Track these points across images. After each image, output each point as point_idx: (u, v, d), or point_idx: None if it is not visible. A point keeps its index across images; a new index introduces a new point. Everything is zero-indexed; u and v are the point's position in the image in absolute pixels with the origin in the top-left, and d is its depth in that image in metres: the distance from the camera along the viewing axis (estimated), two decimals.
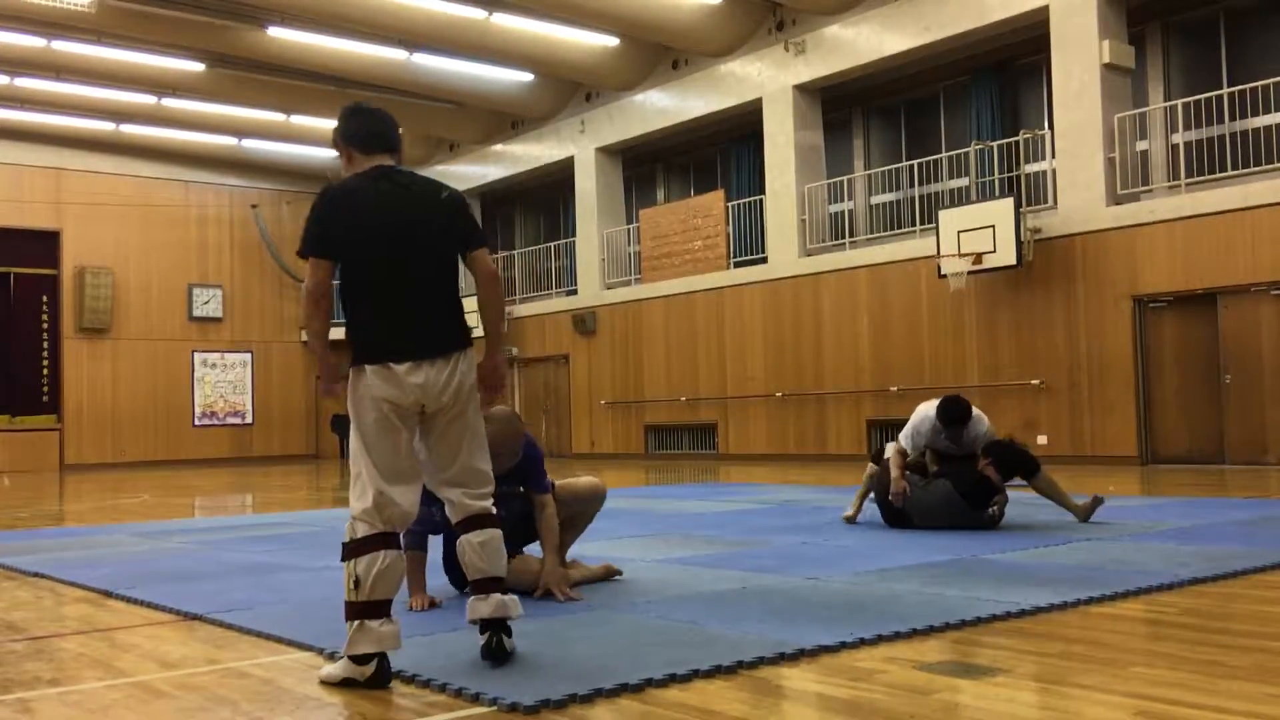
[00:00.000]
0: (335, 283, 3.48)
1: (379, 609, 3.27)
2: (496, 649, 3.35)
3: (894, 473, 6.70)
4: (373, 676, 3.22)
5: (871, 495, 7.12)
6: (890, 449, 6.94)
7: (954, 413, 6.61)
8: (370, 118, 3.57)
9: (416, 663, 3.40)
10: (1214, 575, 4.75)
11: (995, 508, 6.56)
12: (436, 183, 3.61)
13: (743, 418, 17.92)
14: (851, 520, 7.25)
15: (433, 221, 3.48)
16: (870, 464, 7.26)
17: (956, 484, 6.52)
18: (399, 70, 19.31)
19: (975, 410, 6.77)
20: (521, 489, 4.61)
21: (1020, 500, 7.14)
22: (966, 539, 6.16)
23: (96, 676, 3.47)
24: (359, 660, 3.22)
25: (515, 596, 3.49)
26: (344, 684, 3.24)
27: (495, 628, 3.39)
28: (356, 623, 3.25)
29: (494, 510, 3.52)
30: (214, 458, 24.31)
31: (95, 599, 5.05)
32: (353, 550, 3.31)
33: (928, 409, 6.75)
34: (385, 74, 19.41)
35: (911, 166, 16.95)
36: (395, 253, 3.41)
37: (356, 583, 3.27)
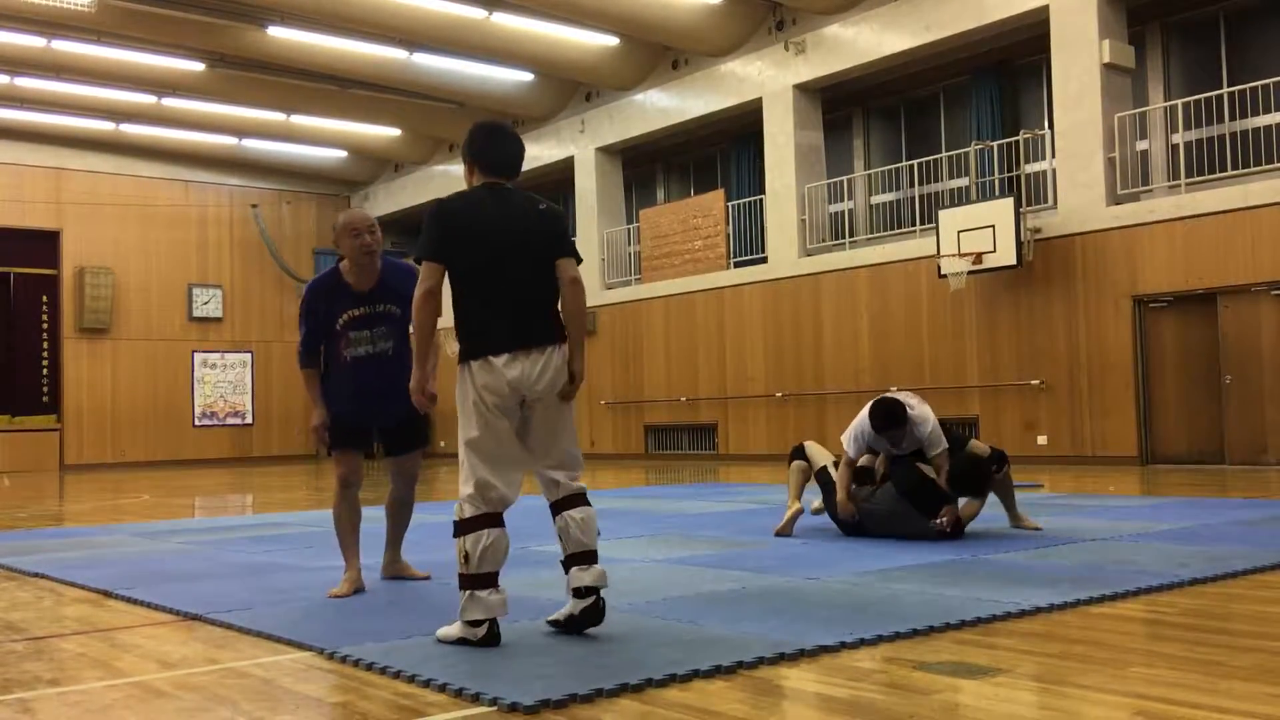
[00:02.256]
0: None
1: (487, 580, 3.68)
2: (600, 610, 3.74)
3: (840, 494, 6.36)
4: (484, 637, 3.64)
5: (821, 503, 6.73)
6: (816, 453, 6.64)
7: (884, 418, 6.20)
8: (502, 145, 3.94)
9: (416, 663, 3.40)
10: (1214, 575, 4.74)
11: (944, 519, 6.09)
12: (536, 197, 3.98)
13: (743, 418, 17.92)
14: (787, 530, 6.59)
15: (529, 230, 3.86)
16: (794, 462, 6.75)
17: (898, 485, 6.19)
18: (399, 70, 19.31)
19: (918, 410, 6.28)
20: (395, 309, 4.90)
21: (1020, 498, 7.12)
22: (967, 539, 6.16)
23: (96, 676, 3.47)
24: (472, 624, 3.65)
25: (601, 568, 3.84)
26: (458, 642, 3.66)
27: (596, 594, 3.74)
28: (468, 592, 3.67)
29: (586, 490, 3.89)
30: (214, 458, 24.31)
31: (95, 599, 5.05)
32: (462, 528, 3.72)
33: (866, 411, 6.38)
34: (385, 74, 19.41)
35: (911, 166, 16.95)
36: (495, 257, 3.81)
37: (466, 557, 3.70)
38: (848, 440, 6.46)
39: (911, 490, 6.17)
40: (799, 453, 6.81)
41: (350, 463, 4.97)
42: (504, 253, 3.82)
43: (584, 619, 3.75)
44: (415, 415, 5.04)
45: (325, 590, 4.95)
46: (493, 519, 3.73)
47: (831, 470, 6.57)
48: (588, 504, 3.86)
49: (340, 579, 4.91)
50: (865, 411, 6.37)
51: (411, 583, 5.10)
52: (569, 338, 3.88)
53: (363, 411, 4.93)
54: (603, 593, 3.80)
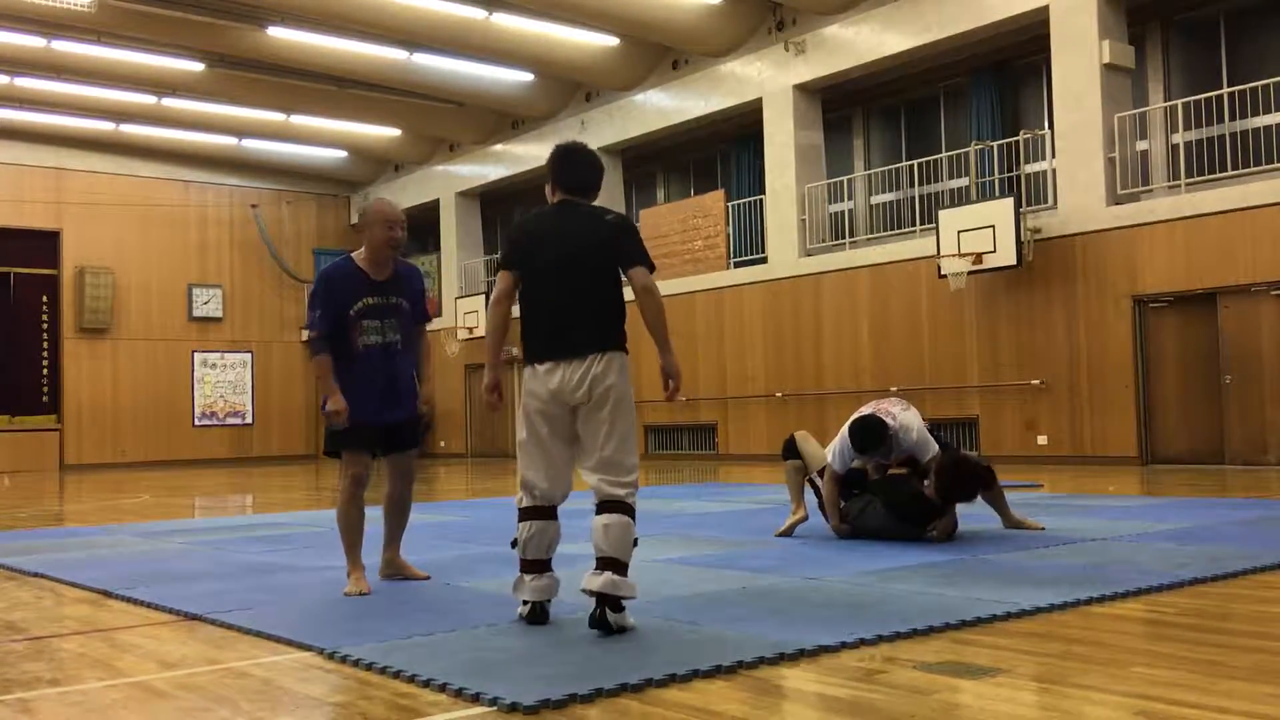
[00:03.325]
0: None
1: (533, 566, 3.97)
2: (599, 620, 3.75)
3: (831, 519, 6.29)
4: (527, 616, 3.95)
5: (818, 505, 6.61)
6: (808, 451, 6.52)
7: (864, 440, 6.10)
8: (577, 167, 4.18)
9: (416, 662, 3.40)
10: (1214, 575, 4.74)
11: (935, 530, 6.08)
12: (605, 210, 4.14)
13: (743, 418, 17.92)
14: (788, 534, 6.54)
15: (592, 241, 4.01)
16: (788, 461, 6.64)
17: (892, 503, 6.10)
18: (399, 70, 19.31)
19: (900, 418, 6.15)
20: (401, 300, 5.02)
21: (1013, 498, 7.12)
22: (967, 539, 6.16)
23: (96, 676, 3.47)
24: (522, 603, 3.98)
25: (633, 581, 3.83)
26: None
27: (602, 601, 3.75)
28: (519, 575, 4.00)
29: (628, 500, 3.90)
30: (214, 458, 24.31)
31: (95, 599, 5.05)
32: (519, 516, 4.04)
33: (847, 429, 6.24)
34: (385, 74, 19.41)
35: (911, 166, 16.95)
36: (549, 269, 4.01)
37: (517, 544, 4.01)
38: (833, 456, 6.33)
39: (902, 507, 6.10)
40: (790, 447, 6.65)
41: (362, 462, 4.96)
42: (558, 264, 4.00)
43: (590, 624, 3.79)
44: (416, 414, 5.06)
45: (325, 590, 4.95)
46: (540, 511, 3.98)
47: (819, 480, 6.47)
48: (620, 511, 3.86)
49: (347, 579, 4.90)
50: (846, 430, 6.24)
51: (411, 583, 5.10)
52: (654, 341, 4.03)
53: (372, 406, 4.90)
54: (624, 603, 3.79)
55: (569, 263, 4.00)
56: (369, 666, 3.42)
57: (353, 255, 5.03)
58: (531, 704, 2.90)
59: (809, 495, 6.66)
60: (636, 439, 4.04)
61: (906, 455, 6.27)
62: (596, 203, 4.23)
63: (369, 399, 4.90)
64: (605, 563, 3.81)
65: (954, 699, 2.94)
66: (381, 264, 4.96)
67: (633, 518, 3.90)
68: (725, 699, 2.99)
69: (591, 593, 3.78)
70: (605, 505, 3.88)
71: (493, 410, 4.28)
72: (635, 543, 3.90)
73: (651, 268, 4.03)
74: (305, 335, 4.95)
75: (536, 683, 3.11)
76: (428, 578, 5.15)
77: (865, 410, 6.37)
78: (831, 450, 6.38)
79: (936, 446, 6.21)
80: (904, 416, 6.23)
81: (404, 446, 5.10)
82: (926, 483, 6.06)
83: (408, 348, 5.02)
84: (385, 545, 5.20)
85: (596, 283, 4.00)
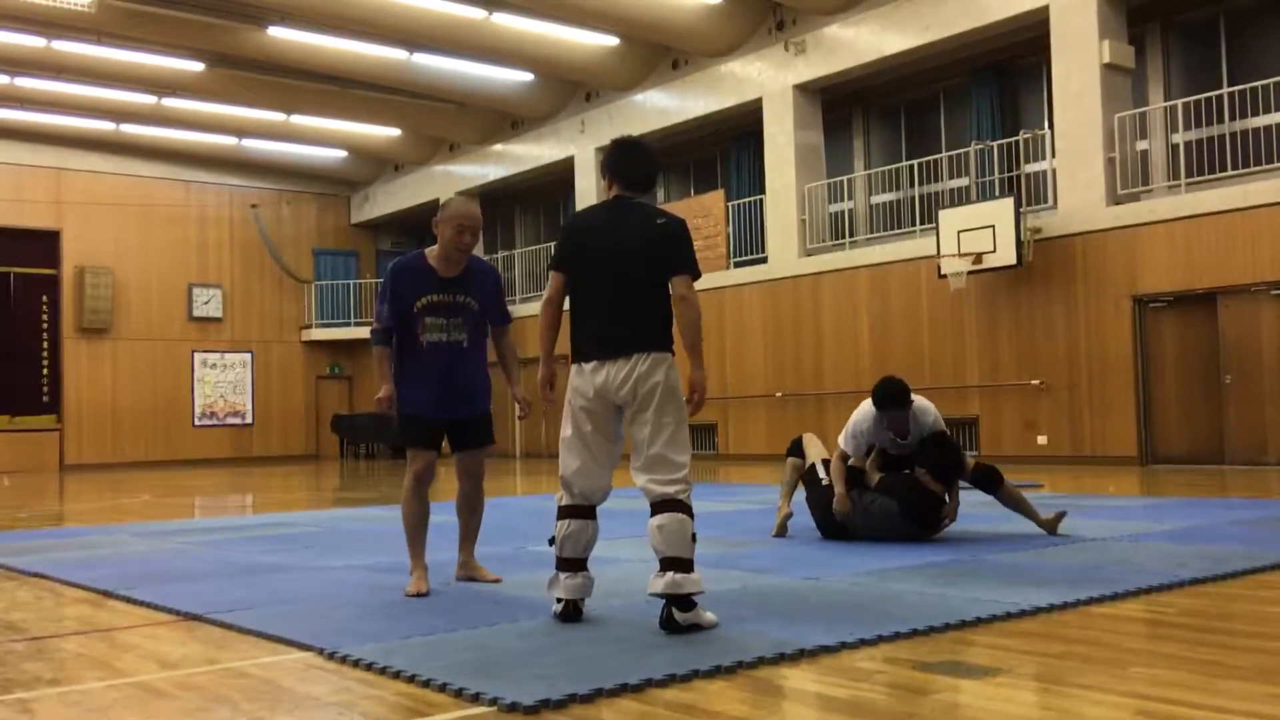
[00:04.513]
0: None
1: (568, 564, 4.01)
2: (667, 620, 3.73)
3: (838, 489, 6.17)
4: (560, 613, 3.99)
5: (804, 501, 6.60)
6: (811, 449, 6.53)
7: (889, 394, 6.01)
8: (633, 161, 4.15)
9: (416, 663, 3.40)
10: (1214, 575, 4.74)
11: (947, 520, 6.13)
12: (660, 212, 4.09)
13: (743, 418, 17.92)
14: (782, 532, 6.53)
15: (642, 244, 3.99)
16: (789, 458, 6.66)
17: (902, 505, 6.05)
18: (399, 70, 19.32)
19: (920, 400, 6.16)
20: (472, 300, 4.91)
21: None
22: (967, 539, 6.16)
23: (96, 676, 3.47)
24: (556, 600, 4.02)
25: (696, 576, 3.79)
26: None
27: (669, 601, 3.73)
28: (555, 572, 4.04)
29: (680, 497, 3.86)
30: (214, 458, 24.31)
31: (95, 599, 5.05)
32: (557, 514, 4.07)
33: (867, 403, 6.22)
34: (385, 74, 19.41)
35: (911, 166, 16.95)
36: (600, 268, 4.02)
37: (552, 541, 4.06)
38: (845, 437, 6.31)
39: (916, 507, 6.06)
40: (796, 447, 6.70)
41: (426, 459, 4.86)
42: (605, 263, 4.02)
43: (660, 625, 3.76)
44: (485, 412, 4.99)
45: (325, 590, 4.94)
46: (578, 510, 4.03)
47: (820, 468, 6.47)
48: (675, 509, 3.82)
49: (410, 578, 4.82)
50: (866, 402, 6.23)
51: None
52: (686, 349, 4.01)
53: (436, 403, 4.84)
54: (696, 599, 3.75)
55: (618, 263, 4.00)
56: (369, 666, 3.41)
57: (426, 251, 4.93)
58: (531, 704, 2.89)
59: (799, 495, 6.65)
60: (688, 438, 3.98)
61: (913, 447, 6.20)
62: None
63: (431, 395, 4.82)
64: (666, 563, 3.78)
65: (954, 699, 2.94)
66: (451, 262, 4.87)
67: (688, 514, 3.85)
68: (725, 699, 2.99)
69: (657, 595, 3.76)
70: (658, 505, 3.85)
71: (547, 403, 4.31)
72: (694, 538, 3.84)
73: (696, 275, 4.01)
74: (371, 326, 4.85)
75: (536, 683, 3.11)
76: (499, 580, 5.03)
77: None
78: (844, 433, 6.34)
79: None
80: (923, 401, 6.24)
81: (472, 445, 4.99)
82: (921, 472, 6.06)
83: (475, 346, 4.91)
84: (460, 546, 5.10)
85: (644, 285, 3.99)
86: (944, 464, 6.06)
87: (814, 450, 6.66)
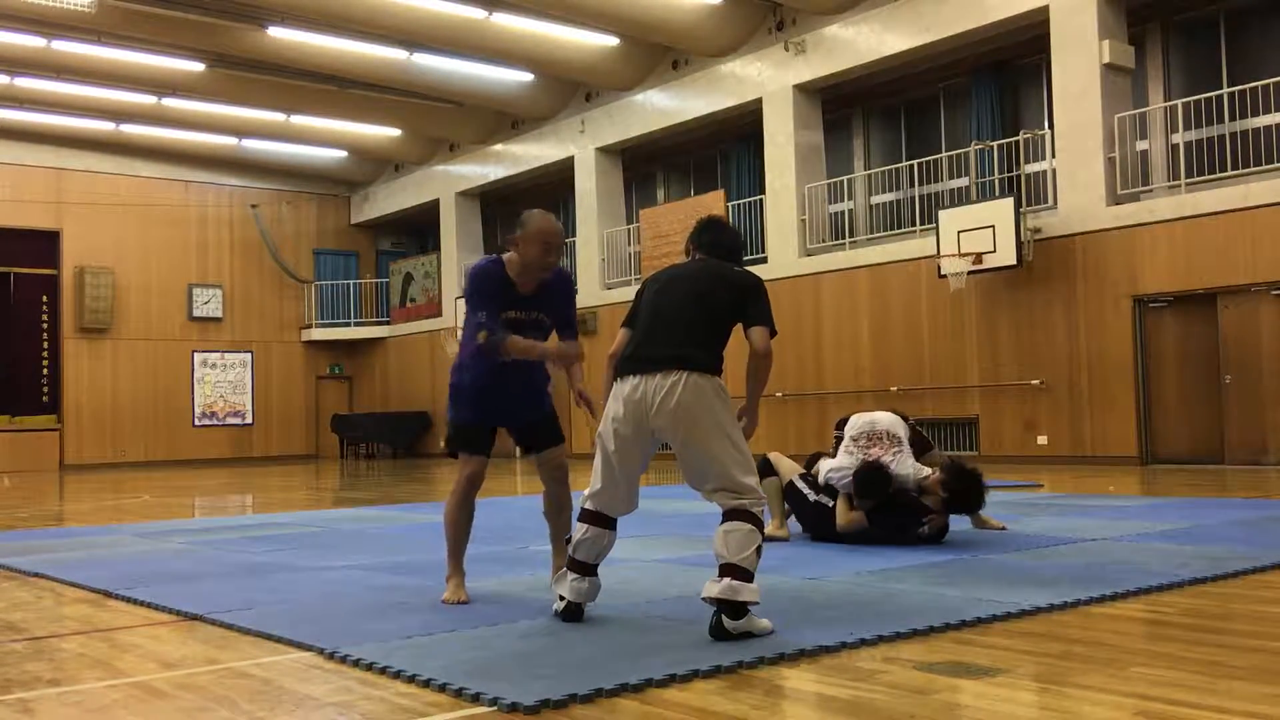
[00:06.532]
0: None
1: (578, 566, 4.05)
2: (716, 626, 3.68)
3: (840, 504, 6.14)
4: (562, 612, 4.05)
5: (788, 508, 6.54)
6: (783, 467, 6.47)
7: (868, 491, 5.99)
8: (721, 233, 4.37)
9: (416, 663, 3.40)
10: (1214, 575, 4.74)
11: (927, 527, 6.03)
12: (734, 268, 4.23)
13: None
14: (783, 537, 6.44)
15: (719, 282, 4.13)
16: (764, 479, 6.20)
17: (887, 522, 6.03)
18: (399, 70, 19.32)
19: (897, 461, 6.06)
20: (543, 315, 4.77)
21: (1005, 501, 7.12)
22: (967, 539, 6.15)
23: (96, 676, 3.47)
24: (560, 597, 4.08)
25: (754, 586, 3.72)
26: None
27: (720, 607, 3.67)
28: (564, 570, 4.11)
29: (753, 509, 3.85)
30: (214, 458, 24.32)
31: (95, 599, 5.05)
32: (579, 515, 4.14)
33: (851, 476, 6.07)
34: (385, 74, 19.41)
35: (911, 166, 16.95)
36: (661, 297, 4.14)
37: (569, 541, 4.14)
38: (832, 473, 6.20)
39: (900, 522, 6.02)
40: (767, 466, 6.50)
41: (478, 463, 4.73)
42: (669, 295, 4.13)
43: (709, 632, 3.69)
44: (552, 411, 4.90)
45: (325, 590, 4.94)
46: (599, 519, 4.06)
47: (799, 484, 6.41)
48: (739, 519, 3.81)
49: (446, 584, 4.70)
50: (849, 474, 6.08)
51: (411, 582, 5.08)
52: (747, 394, 4.27)
53: (492, 414, 4.74)
54: (751, 608, 3.69)
55: (677, 296, 4.10)
56: (369, 666, 3.41)
57: (503, 258, 4.69)
58: (531, 704, 2.89)
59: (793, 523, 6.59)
60: (745, 452, 3.97)
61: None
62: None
63: (495, 404, 4.72)
64: (725, 569, 3.71)
65: (954, 699, 2.94)
66: (532, 279, 4.66)
67: (758, 526, 3.81)
68: (725, 699, 2.99)
69: (710, 600, 3.69)
70: (728, 515, 3.84)
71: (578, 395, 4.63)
72: (759, 550, 3.77)
73: (774, 332, 4.09)
74: (481, 338, 4.67)
75: (536, 683, 3.11)
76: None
77: (864, 456, 6.18)
78: (826, 470, 6.26)
79: (927, 470, 6.10)
80: (899, 455, 6.11)
81: (545, 445, 4.85)
82: (931, 474, 5.99)
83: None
84: (553, 549, 4.89)
85: (701, 321, 4.06)
86: (963, 496, 5.97)
87: (785, 466, 6.55)
